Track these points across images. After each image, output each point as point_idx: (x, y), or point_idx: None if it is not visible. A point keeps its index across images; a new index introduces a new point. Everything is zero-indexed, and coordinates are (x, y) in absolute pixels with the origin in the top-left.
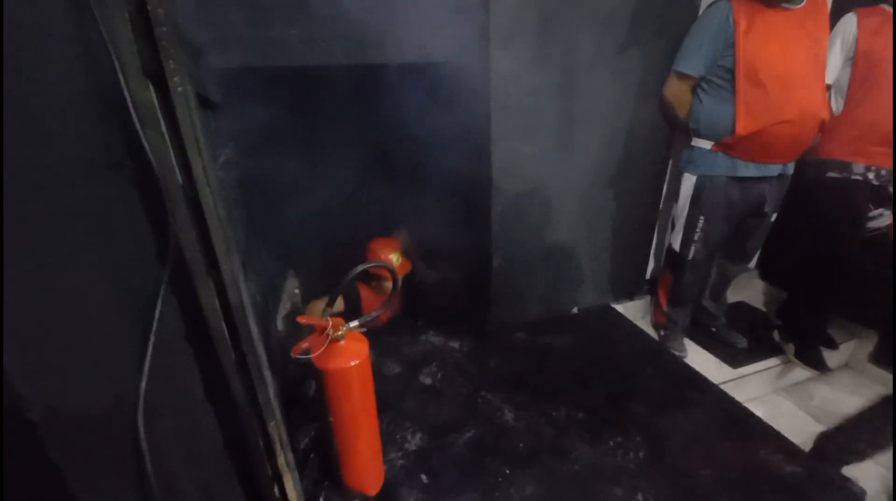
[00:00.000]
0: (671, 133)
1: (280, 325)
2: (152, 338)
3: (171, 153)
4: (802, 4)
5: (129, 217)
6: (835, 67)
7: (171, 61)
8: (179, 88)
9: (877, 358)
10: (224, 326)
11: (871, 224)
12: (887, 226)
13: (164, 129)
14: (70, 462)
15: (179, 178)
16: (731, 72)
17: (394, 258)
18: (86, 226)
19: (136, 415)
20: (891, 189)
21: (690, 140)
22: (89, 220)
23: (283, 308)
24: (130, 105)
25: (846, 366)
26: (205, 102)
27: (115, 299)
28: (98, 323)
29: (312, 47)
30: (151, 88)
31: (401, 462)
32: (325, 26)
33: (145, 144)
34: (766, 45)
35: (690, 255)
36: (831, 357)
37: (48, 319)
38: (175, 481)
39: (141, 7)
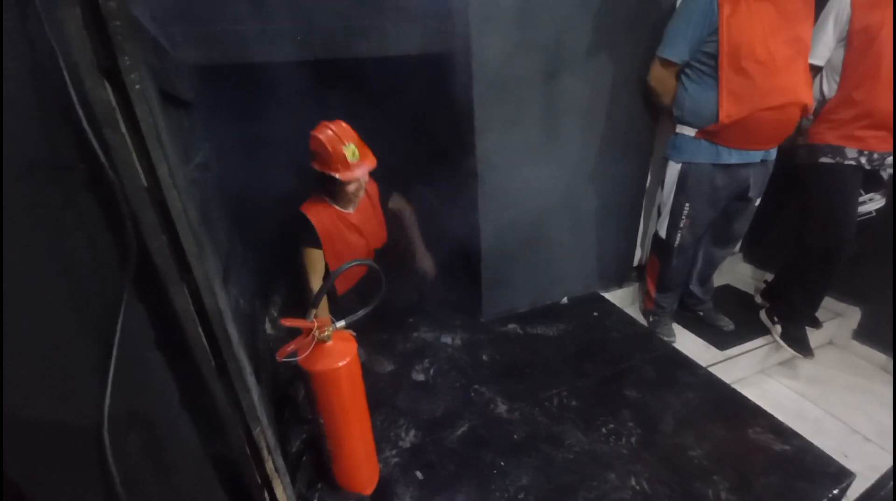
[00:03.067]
0: (655, 121)
1: (269, 327)
2: (115, 347)
3: (134, 154)
4: None
5: (85, 222)
6: (827, 48)
7: (126, 57)
8: (137, 86)
9: (860, 335)
10: (202, 332)
11: (861, 209)
12: (877, 210)
13: (123, 129)
14: (29, 478)
15: (144, 180)
16: (715, 58)
17: (349, 152)
18: (35, 229)
19: (101, 428)
20: (882, 173)
21: (675, 127)
22: (38, 224)
23: (273, 310)
24: (77, 103)
25: (830, 343)
26: (175, 101)
27: (73, 306)
28: (55, 330)
29: (289, 42)
30: (108, 85)
31: (395, 459)
32: (302, 20)
33: (95, 144)
34: (750, 30)
35: (677, 241)
36: (815, 336)
37: None
38: (149, 494)
39: (92, 1)
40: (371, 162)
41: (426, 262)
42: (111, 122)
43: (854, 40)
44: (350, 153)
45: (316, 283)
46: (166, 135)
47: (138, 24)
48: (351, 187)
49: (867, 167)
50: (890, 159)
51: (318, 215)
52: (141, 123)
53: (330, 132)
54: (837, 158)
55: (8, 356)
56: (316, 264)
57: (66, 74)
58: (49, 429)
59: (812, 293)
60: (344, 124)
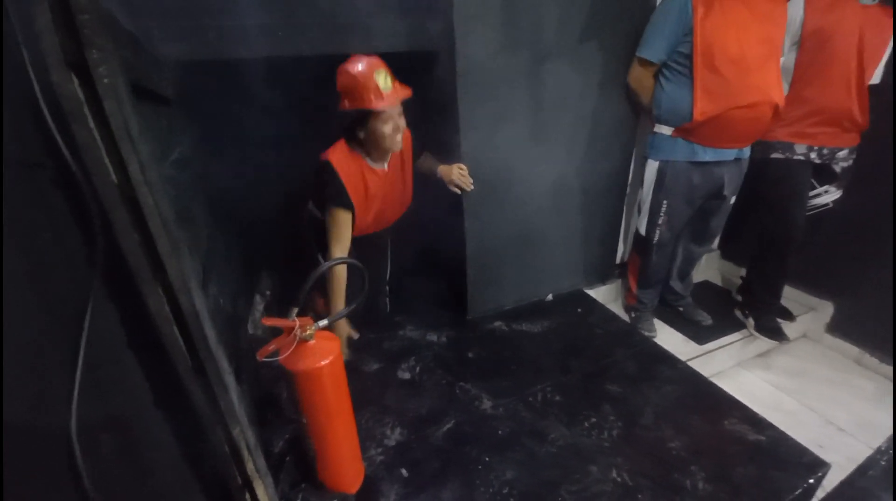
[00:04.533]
0: (637, 120)
1: (252, 327)
2: (82, 348)
3: (103, 150)
4: None
5: (53, 220)
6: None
7: (94, 50)
8: (106, 80)
9: (833, 328)
10: (177, 332)
11: (815, 201)
12: (832, 202)
13: (92, 124)
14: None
15: (114, 177)
16: (690, 57)
17: (380, 78)
18: (3, 227)
19: (69, 429)
20: (834, 167)
21: (653, 126)
22: (6, 222)
23: (256, 309)
24: (41, 98)
25: (804, 337)
26: (152, 97)
27: (42, 307)
28: (23, 331)
29: (273, 38)
30: (76, 79)
31: (381, 457)
32: (286, 16)
33: (59, 140)
34: (723, 30)
35: (656, 238)
36: (789, 328)
37: None
38: (124, 496)
39: None
40: (405, 90)
41: (446, 170)
42: (79, 117)
43: (807, 42)
44: (382, 80)
45: (339, 252)
46: (138, 130)
47: (110, 17)
48: (387, 127)
49: (817, 162)
50: (841, 153)
51: (346, 165)
52: (110, 118)
53: (358, 62)
54: (787, 154)
55: None
56: (343, 229)
57: (29, 68)
58: (17, 431)
59: (772, 283)
60: (375, 56)
